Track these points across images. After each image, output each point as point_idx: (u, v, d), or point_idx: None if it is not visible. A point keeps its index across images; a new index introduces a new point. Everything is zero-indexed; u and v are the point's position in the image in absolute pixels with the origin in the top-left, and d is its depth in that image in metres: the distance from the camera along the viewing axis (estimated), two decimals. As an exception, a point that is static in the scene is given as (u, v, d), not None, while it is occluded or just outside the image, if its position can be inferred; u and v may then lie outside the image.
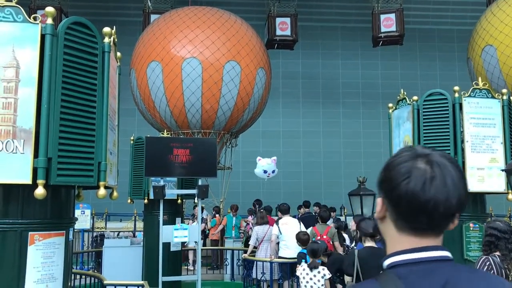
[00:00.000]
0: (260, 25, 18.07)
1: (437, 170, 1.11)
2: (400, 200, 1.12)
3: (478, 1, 18.58)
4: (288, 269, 8.18)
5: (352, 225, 8.04)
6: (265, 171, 12.17)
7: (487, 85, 5.76)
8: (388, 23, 16.81)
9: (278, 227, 8.23)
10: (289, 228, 8.15)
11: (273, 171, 12.08)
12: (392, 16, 16.83)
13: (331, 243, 7.70)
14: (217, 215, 13.05)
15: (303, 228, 8.18)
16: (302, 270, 5.93)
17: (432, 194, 1.09)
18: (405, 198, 1.11)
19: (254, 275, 8.88)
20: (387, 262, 1.17)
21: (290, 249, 8.08)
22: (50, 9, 3.14)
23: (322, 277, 5.75)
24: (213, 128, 13.67)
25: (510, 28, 12.53)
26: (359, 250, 4.81)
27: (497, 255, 3.78)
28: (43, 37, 3.03)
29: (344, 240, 8.44)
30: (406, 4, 18.21)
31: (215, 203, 14.59)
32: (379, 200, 1.20)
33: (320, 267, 5.84)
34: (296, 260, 7.41)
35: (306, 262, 6.29)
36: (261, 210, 10.47)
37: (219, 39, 13.12)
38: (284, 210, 8.52)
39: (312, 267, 5.80)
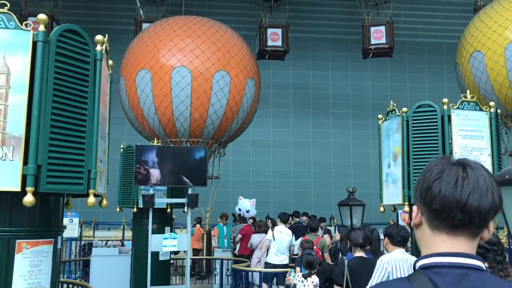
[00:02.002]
0: (252, 35, 18.18)
1: (469, 171, 1.16)
2: (434, 199, 1.16)
3: (466, 15, 18.86)
4: (271, 276, 8.43)
5: (336, 235, 8.19)
6: (240, 209, 13.72)
7: (475, 97, 5.84)
8: (378, 35, 17.00)
9: (273, 233, 8.63)
10: (281, 236, 8.58)
11: (248, 211, 13.56)
12: (382, 28, 17.03)
13: (320, 253, 7.73)
14: (197, 225, 13.09)
15: (295, 239, 8.65)
16: (297, 277, 5.97)
17: (465, 191, 1.13)
18: (439, 195, 1.15)
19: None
20: (420, 263, 1.19)
21: (279, 256, 8.48)
22: (42, 16, 3.13)
23: (312, 283, 5.77)
24: (201, 137, 13.65)
25: (498, 34, 12.73)
26: (349, 260, 4.81)
27: (485, 266, 3.80)
28: (34, 44, 3.03)
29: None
30: (396, 17, 18.44)
31: (202, 212, 14.54)
32: (414, 208, 1.24)
33: (313, 276, 5.86)
34: (282, 269, 7.91)
35: (301, 267, 6.34)
36: (262, 219, 10.89)
37: (209, 48, 13.16)
38: (283, 219, 9.00)
39: (306, 276, 5.84)
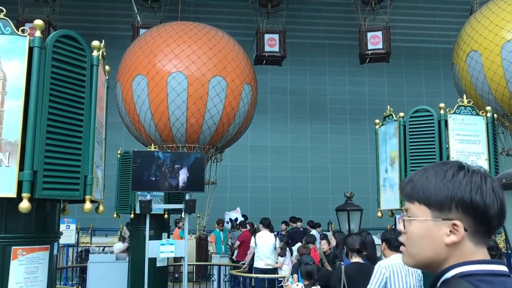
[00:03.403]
0: (249, 41, 18.22)
1: (490, 180, 1.19)
2: (493, 217, 1.16)
3: (462, 21, 18.95)
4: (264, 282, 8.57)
5: (332, 241, 8.29)
6: (229, 221, 14.12)
7: (472, 102, 5.85)
8: (375, 41, 17.06)
9: (255, 240, 9.05)
10: (263, 241, 8.94)
11: (236, 219, 14.00)
12: (379, 34, 17.09)
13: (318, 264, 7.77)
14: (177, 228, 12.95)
15: (278, 243, 8.99)
16: (296, 286, 5.93)
17: (500, 199, 1.17)
18: (496, 214, 1.16)
19: None
20: (456, 271, 1.14)
21: (264, 261, 8.87)
22: (38, 22, 3.13)
23: None
24: (198, 142, 13.64)
25: (494, 34, 12.79)
26: (346, 266, 4.80)
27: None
28: (31, 49, 3.02)
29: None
30: (393, 22, 18.52)
31: (200, 219, 14.53)
32: (458, 222, 1.15)
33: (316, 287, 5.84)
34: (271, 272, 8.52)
35: (298, 273, 6.32)
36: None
37: (205, 54, 13.17)
38: (265, 224, 9.26)
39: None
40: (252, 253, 9.07)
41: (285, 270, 8.68)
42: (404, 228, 1.24)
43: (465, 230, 1.15)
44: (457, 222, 1.15)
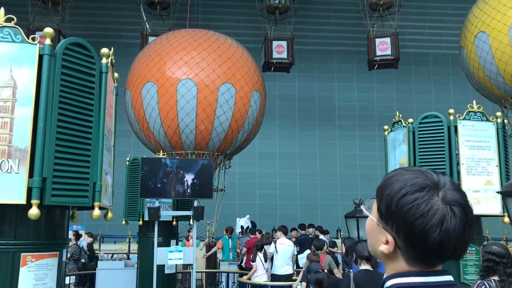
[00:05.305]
0: (257, 48, 18.26)
1: (460, 213, 1.09)
2: (432, 248, 1.08)
3: (471, 26, 18.89)
4: None
5: (343, 248, 8.28)
6: (242, 227, 14.10)
7: (482, 108, 5.81)
8: (383, 47, 17.02)
9: (275, 246, 9.07)
10: (284, 248, 9.04)
11: (248, 227, 14.07)
12: (387, 40, 17.06)
13: (326, 270, 7.70)
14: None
15: (301, 252, 9.23)
16: None
17: (461, 237, 1.09)
18: (439, 246, 1.08)
19: None
20: (392, 282, 1.14)
21: (283, 267, 8.95)
22: (48, 30, 3.16)
23: None
24: (207, 149, 13.65)
25: (502, 14, 12.74)
26: (355, 273, 4.75)
27: (493, 279, 3.74)
28: (41, 57, 3.05)
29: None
30: (401, 28, 18.48)
31: (209, 226, 14.51)
32: (390, 238, 1.13)
33: None
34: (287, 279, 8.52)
35: (308, 281, 6.30)
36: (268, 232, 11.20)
37: (215, 61, 13.21)
38: (284, 231, 9.42)
39: None
40: (269, 258, 9.16)
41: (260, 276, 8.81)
42: None
43: (399, 248, 1.12)
44: (389, 238, 1.13)
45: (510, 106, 13.44)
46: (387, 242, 1.14)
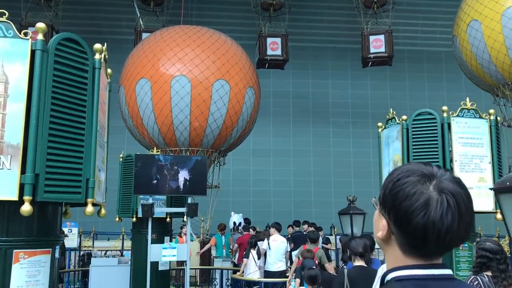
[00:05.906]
0: (251, 44, 18.23)
1: (451, 201, 1.10)
2: (415, 232, 1.11)
3: (465, 24, 18.97)
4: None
5: (337, 245, 8.32)
6: (234, 223, 13.84)
7: (475, 105, 5.83)
8: (377, 44, 17.05)
9: (268, 242, 9.17)
10: (277, 244, 9.16)
11: (240, 223, 13.98)
12: (381, 37, 17.09)
13: (317, 262, 7.71)
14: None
15: (295, 248, 9.16)
16: None
17: (448, 226, 1.09)
18: (422, 231, 1.10)
19: None
20: (392, 275, 1.16)
21: (276, 264, 9.06)
22: (41, 25, 3.13)
23: None
24: (201, 146, 13.62)
25: (494, 2, 12.83)
26: (349, 269, 4.77)
27: (486, 274, 3.76)
28: (33, 52, 3.02)
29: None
30: (395, 25, 18.51)
31: (204, 222, 14.50)
32: (384, 223, 1.17)
33: None
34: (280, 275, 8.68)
35: (302, 277, 6.31)
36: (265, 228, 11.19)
37: (209, 57, 13.18)
38: (278, 228, 9.50)
39: None
40: (263, 254, 9.20)
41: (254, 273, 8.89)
42: None
43: (392, 233, 1.17)
44: (384, 223, 1.18)
45: (502, 95, 13.54)
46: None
